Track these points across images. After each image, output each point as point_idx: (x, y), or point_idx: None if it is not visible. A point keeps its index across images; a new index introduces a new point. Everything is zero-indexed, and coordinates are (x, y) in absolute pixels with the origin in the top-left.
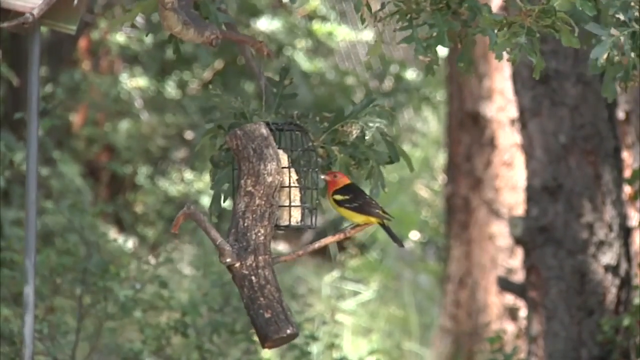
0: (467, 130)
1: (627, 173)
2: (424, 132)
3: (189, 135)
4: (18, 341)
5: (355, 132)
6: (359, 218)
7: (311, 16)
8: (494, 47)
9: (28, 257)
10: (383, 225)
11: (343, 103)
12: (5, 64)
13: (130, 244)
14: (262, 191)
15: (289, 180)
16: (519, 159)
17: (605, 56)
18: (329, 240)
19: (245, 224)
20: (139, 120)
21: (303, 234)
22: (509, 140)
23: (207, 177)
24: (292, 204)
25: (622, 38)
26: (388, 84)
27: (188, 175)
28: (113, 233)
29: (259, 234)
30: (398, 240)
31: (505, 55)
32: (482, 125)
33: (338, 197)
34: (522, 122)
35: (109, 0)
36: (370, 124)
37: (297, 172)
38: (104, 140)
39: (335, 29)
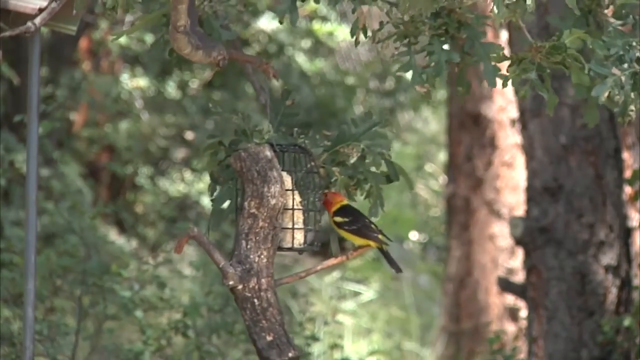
0: (468, 131)
1: (628, 173)
2: (424, 132)
3: (189, 135)
4: (18, 342)
5: (356, 154)
6: (358, 241)
7: (311, 16)
8: (487, 76)
9: (28, 258)
10: (382, 250)
11: (344, 104)
12: (6, 64)
13: (130, 244)
14: (265, 213)
15: (293, 202)
16: (520, 160)
17: (606, 94)
18: (331, 262)
19: (249, 246)
20: (139, 121)
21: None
22: (509, 140)
23: (207, 178)
24: (295, 226)
25: (623, 78)
26: (389, 83)
27: (188, 175)
28: (113, 234)
29: (262, 257)
30: (396, 266)
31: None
32: (482, 125)
33: (338, 219)
34: (523, 122)
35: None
36: (372, 148)
37: (300, 194)
38: (104, 141)
39: (335, 29)
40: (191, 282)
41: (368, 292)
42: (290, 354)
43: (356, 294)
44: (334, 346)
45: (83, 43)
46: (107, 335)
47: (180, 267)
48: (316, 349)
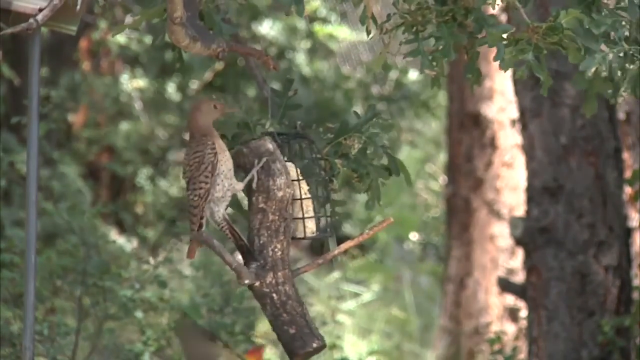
0: (468, 131)
1: (628, 173)
2: (424, 132)
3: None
4: (18, 342)
5: (357, 145)
6: None
7: (311, 17)
8: (500, 58)
9: (28, 258)
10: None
11: (344, 105)
12: (6, 64)
13: (131, 245)
14: (274, 206)
15: (300, 191)
16: (520, 160)
17: (593, 69)
18: (348, 245)
19: (261, 241)
20: (139, 121)
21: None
22: (509, 140)
23: None
24: (305, 215)
25: (610, 55)
26: (389, 87)
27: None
28: (114, 234)
29: (276, 250)
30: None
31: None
32: (482, 125)
33: None
34: (523, 122)
35: (109, 0)
36: (374, 139)
37: (307, 183)
38: (104, 141)
39: (336, 31)
40: (191, 282)
41: (367, 293)
42: (314, 344)
43: (356, 294)
44: (333, 346)
45: (83, 43)
46: (107, 336)
47: (180, 267)
48: None
